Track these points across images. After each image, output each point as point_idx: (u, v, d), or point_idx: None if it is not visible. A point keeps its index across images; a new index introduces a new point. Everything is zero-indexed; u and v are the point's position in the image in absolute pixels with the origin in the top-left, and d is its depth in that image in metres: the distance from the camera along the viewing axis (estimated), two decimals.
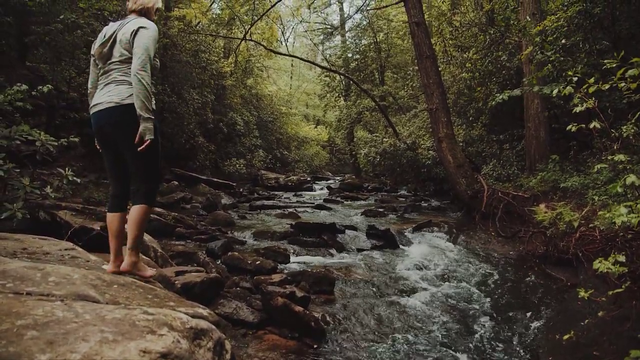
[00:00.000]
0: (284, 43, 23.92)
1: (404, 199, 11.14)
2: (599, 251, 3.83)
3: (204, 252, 4.83)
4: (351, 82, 18.08)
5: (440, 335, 3.28)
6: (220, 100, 16.15)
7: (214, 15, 17.08)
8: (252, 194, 12.46)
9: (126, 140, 2.30)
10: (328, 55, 21.86)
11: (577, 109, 3.00)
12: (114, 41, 2.35)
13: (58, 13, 7.20)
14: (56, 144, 4.03)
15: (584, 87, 2.95)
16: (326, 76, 20.79)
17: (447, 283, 4.46)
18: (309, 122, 31.54)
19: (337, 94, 21.64)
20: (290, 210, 8.61)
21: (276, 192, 13.39)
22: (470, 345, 3.18)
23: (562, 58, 5.84)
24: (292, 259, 5.07)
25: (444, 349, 3.11)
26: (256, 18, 14.43)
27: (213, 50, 14.50)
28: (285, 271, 4.43)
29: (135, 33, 2.29)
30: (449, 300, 4.00)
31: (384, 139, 13.54)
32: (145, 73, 2.24)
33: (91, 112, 2.40)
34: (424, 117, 12.92)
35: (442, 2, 14.00)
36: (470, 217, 7.11)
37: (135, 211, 2.33)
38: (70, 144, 4.34)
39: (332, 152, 28.03)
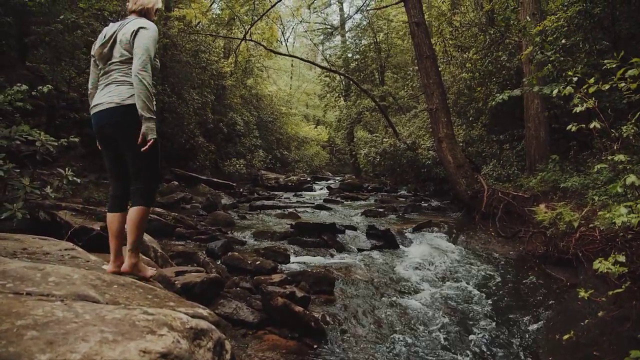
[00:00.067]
0: (284, 43, 23.95)
1: (404, 199, 11.14)
2: (599, 251, 3.83)
3: (204, 252, 4.83)
4: (351, 82, 18.09)
5: (440, 336, 3.28)
6: (220, 100, 16.15)
7: (214, 16, 17.08)
8: (252, 194, 12.46)
9: (127, 141, 2.31)
10: (328, 56, 21.87)
11: (577, 109, 3.00)
12: (114, 42, 2.35)
13: (58, 13, 7.21)
14: (56, 144, 4.03)
15: (584, 87, 2.96)
16: (326, 76, 20.80)
17: (447, 283, 4.46)
18: (309, 122, 31.55)
19: (337, 94, 21.64)
20: (290, 210, 8.61)
21: (276, 192, 13.38)
22: (470, 345, 3.18)
23: (562, 58, 5.84)
24: (292, 259, 5.07)
25: (444, 349, 3.11)
26: (256, 18, 14.43)
27: (213, 50, 14.50)
28: (285, 271, 4.43)
29: (135, 33, 2.29)
30: (449, 300, 4.00)
31: (384, 139, 13.54)
32: (146, 73, 2.25)
33: (92, 113, 2.41)
34: (424, 117, 12.92)
35: (442, 2, 14.01)
36: (470, 217, 7.11)
37: (134, 212, 2.33)
38: (70, 144, 4.34)
39: (332, 152, 28.04)
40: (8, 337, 1.14)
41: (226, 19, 16.50)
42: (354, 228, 6.66)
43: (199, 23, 15.22)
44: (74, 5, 7.97)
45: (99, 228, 3.94)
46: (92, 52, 2.47)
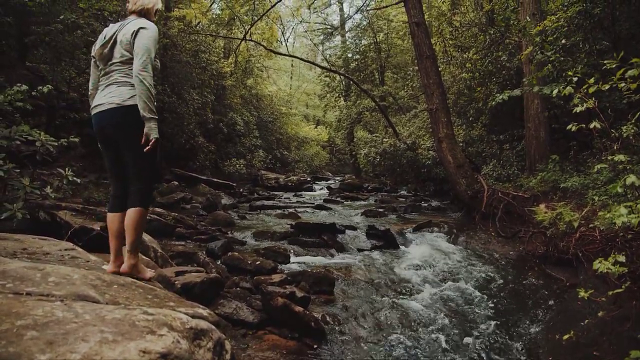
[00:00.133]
0: (284, 43, 23.96)
1: (404, 199, 11.13)
2: (599, 251, 3.83)
3: (204, 252, 4.83)
4: (351, 82, 18.09)
5: (440, 336, 3.28)
6: (220, 100, 16.15)
7: (214, 16, 17.09)
8: (252, 194, 12.46)
9: (127, 141, 2.31)
10: (328, 56, 21.87)
11: (577, 109, 3.00)
12: (115, 42, 2.36)
13: (58, 13, 7.20)
14: (56, 144, 4.03)
15: (584, 87, 2.96)
16: (326, 76, 20.80)
17: (447, 283, 4.46)
18: (309, 122, 31.55)
19: (337, 94, 21.64)
20: (290, 210, 8.61)
21: (276, 192, 13.38)
22: (470, 345, 3.18)
23: (562, 58, 5.84)
24: (292, 259, 5.07)
25: (444, 349, 3.11)
26: (256, 18, 14.43)
27: (213, 50, 14.50)
28: (286, 271, 4.43)
29: (135, 34, 2.30)
30: (449, 301, 4.00)
31: (384, 139, 13.54)
32: (147, 73, 2.25)
33: (92, 113, 2.41)
34: (424, 117, 12.92)
35: (442, 2, 14.01)
36: (470, 217, 7.11)
37: (132, 214, 2.33)
38: (70, 144, 4.34)
39: (332, 152, 28.03)
40: (8, 337, 1.14)
41: (226, 19, 16.50)
42: (354, 228, 6.66)
43: (199, 23, 15.22)
44: (74, 5, 7.97)
45: (99, 228, 3.94)
46: (93, 53, 2.47)
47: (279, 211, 8.64)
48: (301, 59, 21.16)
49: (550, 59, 5.86)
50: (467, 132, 10.56)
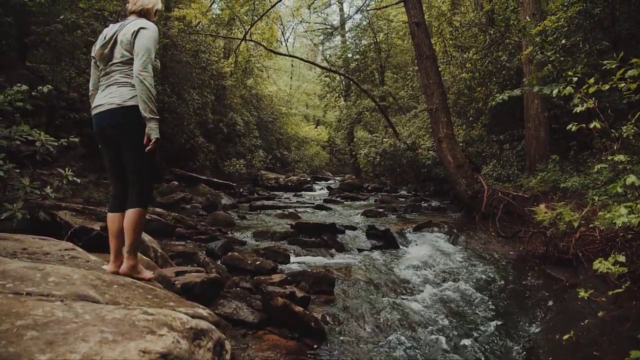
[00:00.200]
0: (284, 43, 23.97)
1: (404, 199, 11.13)
2: (599, 251, 3.83)
3: (204, 252, 4.83)
4: (351, 82, 18.09)
5: (440, 336, 3.28)
6: (220, 100, 16.15)
7: (214, 16, 17.09)
8: (252, 194, 12.46)
9: (127, 141, 2.32)
10: (328, 56, 21.88)
11: (577, 109, 3.00)
12: (115, 42, 2.36)
13: (58, 13, 7.20)
14: (56, 144, 4.03)
15: (584, 87, 2.95)
16: (326, 76, 20.80)
17: (447, 283, 4.46)
18: (309, 122, 31.55)
19: (337, 94, 21.64)
20: (290, 210, 8.61)
21: (276, 193, 13.38)
22: (470, 345, 3.18)
23: (562, 58, 5.83)
24: (292, 259, 5.07)
25: (444, 349, 3.11)
26: (256, 18, 14.43)
27: (213, 50, 14.50)
28: (286, 271, 4.43)
29: (135, 34, 2.30)
30: (449, 301, 4.00)
31: (384, 139, 13.55)
32: (147, 74, 2.25)
33: (93, 114, 2.42)
34: (424, 117, 12.92)
35: (442, 2, 14.01)
36: (470, 218, 7.11)
37: (130, 215, 2.33)
38: (70, 144, 4.34)
39: (332, 152, 28.03)
40: (8, 337, 1.14)
41: (226, 19, 16.50)
42: (354, 228, 6.66)
43: (199, 23, 15.22)
44: (74, 5, 7.96)
45: (99, 228, 3.94)
46: (93, 54, 2.47)
47: (279, 211, 8.65)
48: (301, 59, 21.17)
49: (550, 59, 5.85)
50: (467, 132, 10.56)
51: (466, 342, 3.22)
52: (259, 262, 4.46)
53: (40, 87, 4.30)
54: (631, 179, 2.39)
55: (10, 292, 1.51)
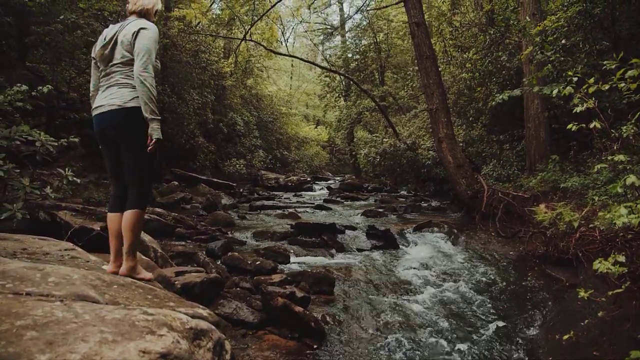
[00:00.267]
0: (284, 43, 23.97)
1: (404, 199, 11.13)
2: (599, 251, 3.83)
3: (204, 252, 4.83)
4: (351, 82, 18.08)
5: (440, 336, 3.28)
6: (220, 100, 16.15)
7: (214, 16, 17.08)
8: (252, 194, 12.46)
9: (127, 142, 2.32)
10: (328, 56, 21.87)
11: (577, 109, 3.00)
12: (115, 43, 2.36)
13: (58, 13, 7.20)
14: (56, 144, 4.02)
15: (584, 87, 2.95)
16: (326, 76, 20.79)
17: (447, 284, 4.46)
18: (309, 122, 31.55)
19: (337, 94, 21.64)
20: (290, 210, 8.61)
21: (276, 193, 13.38)
22: (470, 345, 3.18)
23: (562, 58, 5.83)
24: (292, 259, 5.07)
25: (444, 349, 3.11)
26: (256, 18, 14.43)
27: (213, 50, 14.50)
28: (286, 271, 4.43)
29: (136, 34, 2.30)
30: (449, 301, 4.00)
31: (384, 139, 13.55)
32: (148, 74, 2.25)
33: (93, 114, 2.42)
34: (424, 117, 12.92)
35: (442, 2, 14.00)
36: (470, 218, 7.11)
37: (129, 216, 2.33)
38: (70, 144, 4.34)
39: (332, 152, 28.03)
40: (8, 338, 1.14)
41: (226, 19, 16.50)
42: (354, 228, 6.66)
43: (199, 23, 15.21)
44: (74, 5, 7.96)
45: (99, 228, 3.94)
46: (93, 54, 2.47)
47: (279, 211, 8.64)
48: (301, 59, 21.17)
49: (550, 59, 5.85)
50: (467, 132, 10.56)
51: (466, 342, 3.22)
52: (259, 262, 4.46)
53: (40, 87, 4.30)
54: (631, 179, 2.39)
55: (10, 292, 1.51)
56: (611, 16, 5.85)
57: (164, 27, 11.22)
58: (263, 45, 16.57)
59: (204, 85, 13.95)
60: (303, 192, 13.77)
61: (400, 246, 5.93)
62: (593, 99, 2.99)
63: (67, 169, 4.26)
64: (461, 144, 9.36)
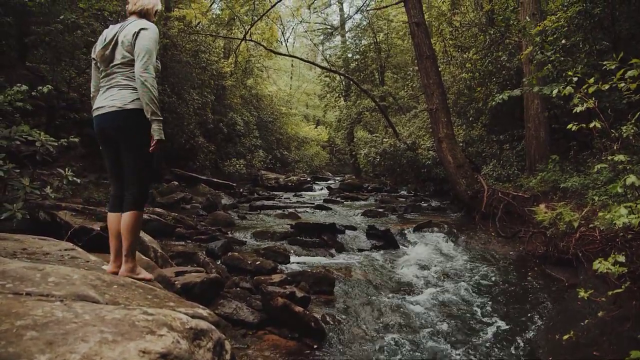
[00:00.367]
0: (284, 43, 23.97)
1: (404, 199, 11.13)
2: (599, 251, 3.83)
3: (204, 252, 4.83)
4: (351, 82, 18.08)
5: (440, 336, 3.28)
6: (220, 100, 16.15)
7: (214, 16, 17.08)
8: (252, 194, 12.45)
9: (128, 143, 2.32)
10: (328, 56, 21.87)
11: (577, 109, 3.00)
12: (115, 44, 2.36)
13: (58, 13, 7.20)
14: (56, 144, 4.02)
15: (584, 87, 2.96)
16: (326, 76, 20.79)
17: (447, 283, 4.46)
18: (309, 122, 31.55)
19: (337, 94, 21.63)
20: (290, 210, 8.61)
21: (276, 193, 13.38)
22: (470, 345, 3.18)
23: (562, 58, 5.84)
24: (292, 259, 5.07)
25: (444, 349, 3.11)
26: (256, 18, 14.43)
27: (213, 50, 14.49)
28: (285, 271, 4.43)
29: (136, 35, 2.30)
30: (449, 301, 4.00)
31: (384, 139, 13.54)
32: (149, 75, 2.25)
33: (93, 115, 2.42)
34: (424, 117, 12.92)
35: (442, 2, 14.00)
36: (470, 218, 7.11)
37: (127, 218, 2.33)
38: (70, 144, 4.34)
39: (332, 152, 28.02)
40: (7, 338, 1.14)
41: (226, 19, 16.50)
42: (354, 228, 6.66)
43: (199, 23, 15.21)
44: (74, 5, 7.96)
45: (99, 228, 3.94)
46: (93, 55, 2.47)
47: (279, 211, 8.64)
48: (301, 59, 21.16)
49: (550, 59, 5.86)
50: (467, 132, 10.56)
51: (466, 342, 3.22)
52: (259, 262, 4.46)
53: (40, 87, 4.30)
54: (631, 179, 2.39)
55: (10, 292, 1.51)
56: (611, 16, 5.86)
57: (164, 27, 11.22)
58: (263, 45, 16.57)
59: (204, 85, 13.95)
60: (303, 192, 13.77)
61: (400, 246, 5.93)
62: (593, 99, 2.99)
63: (67, 169, 4.26)
64: (461, 144, 9.36)
